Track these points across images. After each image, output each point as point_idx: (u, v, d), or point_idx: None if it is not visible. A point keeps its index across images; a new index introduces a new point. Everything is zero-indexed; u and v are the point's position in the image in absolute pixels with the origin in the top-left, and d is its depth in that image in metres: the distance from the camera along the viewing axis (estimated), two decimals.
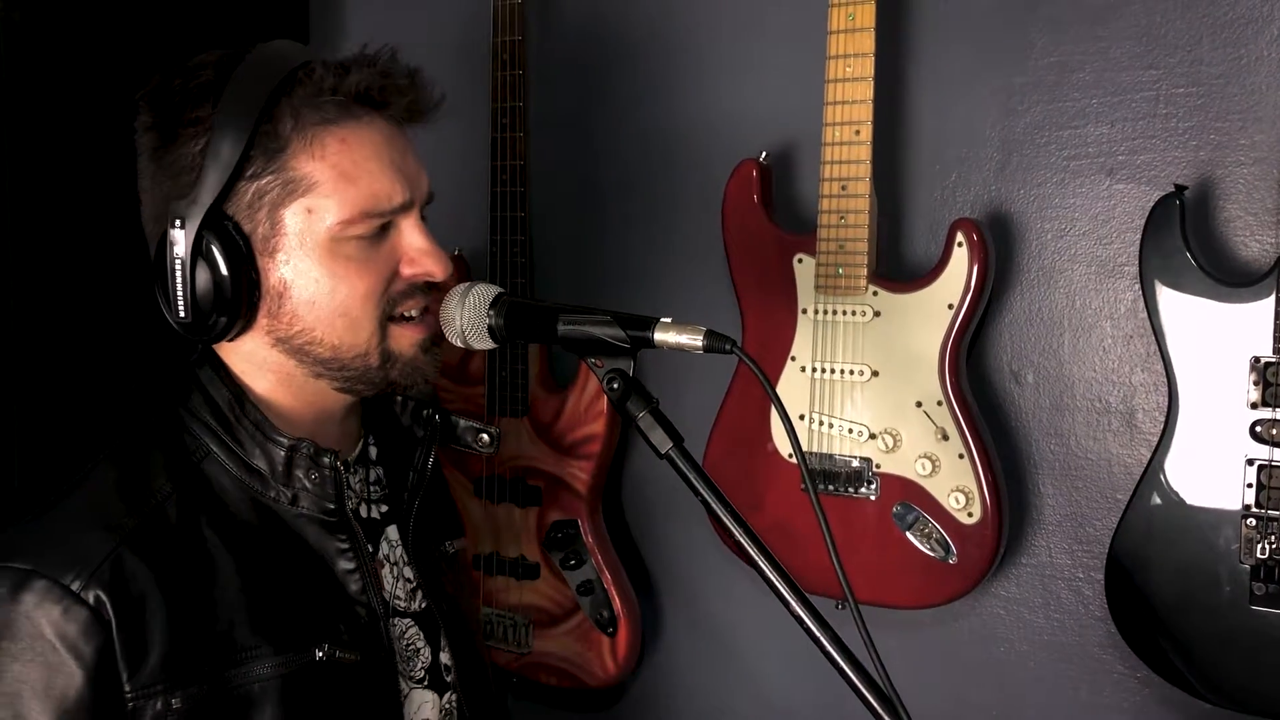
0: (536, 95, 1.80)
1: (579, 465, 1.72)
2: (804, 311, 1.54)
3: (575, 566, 1.73)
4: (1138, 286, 1.38)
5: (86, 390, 1.59)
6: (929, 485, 1.48)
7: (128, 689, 0.90)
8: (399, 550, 1.13)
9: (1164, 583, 1.35)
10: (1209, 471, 1.32)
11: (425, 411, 1.16)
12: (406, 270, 1.01)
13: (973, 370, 1.54)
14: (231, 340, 1.01)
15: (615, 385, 0.96)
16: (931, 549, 1.48)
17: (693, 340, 0.94)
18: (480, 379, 1.80)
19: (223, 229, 0.96)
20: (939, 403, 1.46)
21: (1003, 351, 1.56)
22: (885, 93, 1.53)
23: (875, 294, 1.48)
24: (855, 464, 1.52)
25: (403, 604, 1.11)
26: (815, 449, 1.54)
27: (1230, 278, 1.33)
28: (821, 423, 1.53)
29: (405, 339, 1.03)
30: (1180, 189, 1.33)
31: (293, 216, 0.97)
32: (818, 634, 0.89)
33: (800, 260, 1.54)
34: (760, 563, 0.91)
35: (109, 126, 1.04)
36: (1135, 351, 1.48)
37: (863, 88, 1.44)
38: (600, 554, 1.73)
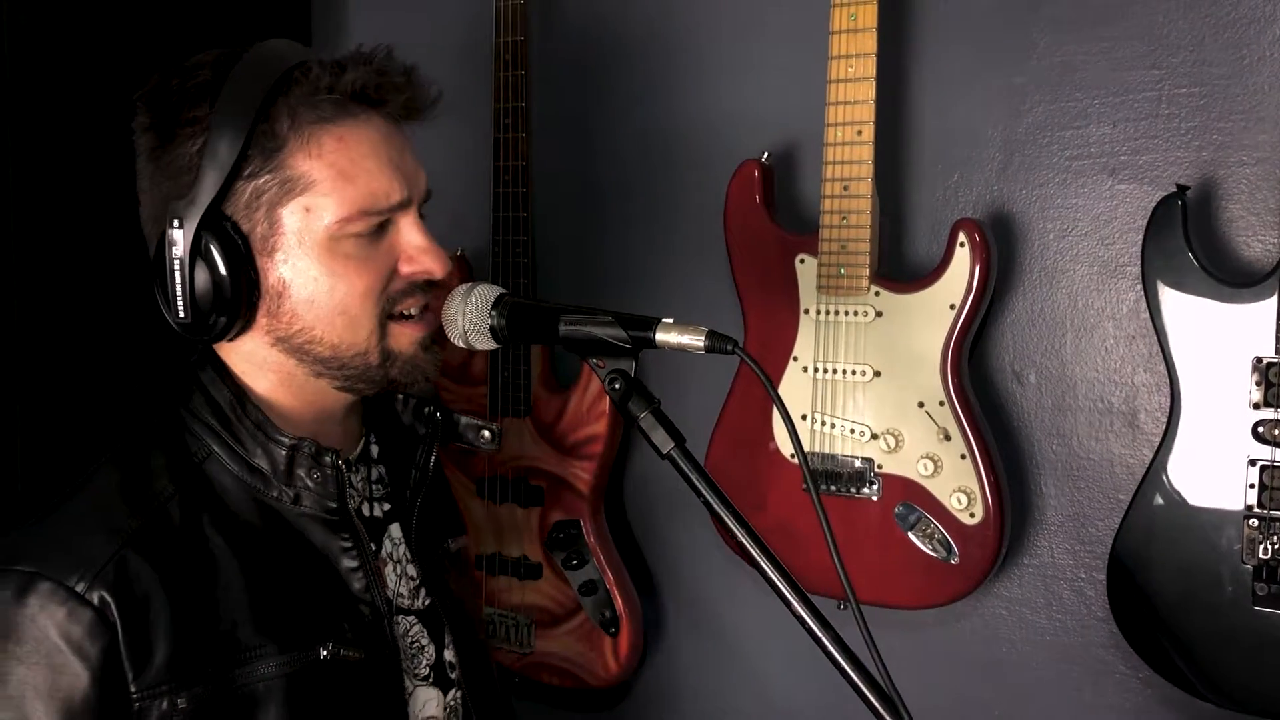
0: (539, 96, 1.80)
1: (581, 465, 1.73)
2: (806, 312, 1.54)
3: (577, 566, 1.73)
4: (1140, 287, 1.38)
5: (89, 392, 1.59)
6: (931, 485, 1.48)
7: (133, 690, 0.90)
8: (402, 548, 1.13)
9: (1166, 583, 1.35)
10: (1211, 472, 1.32)
11: (426, 409, 1.16)
12: (405, 268, 1.01)
13: (975, 370, 1.54)
14: (231, 340, 1.01)
15: (617, 386, 0.96)
16: (933, 549, 1.48)
17: (694, 341, 0.94)
18: (482, 379, 1.80)
19: (221, 229, 0.96)
20: (941, 403, 1.46)
21: (1005, 352, 1.56)
22: (887, 93, 1.53)
23: (877, 294, 1.48)
24: (857, 464, 1.52)
25: (406, 602, 1.11)
26: (817, 449, 1.54)
27: (1232, 278, 1.33)
28: (823, 423, 1.53)
29: (405, 337, 1.03)
30: (1182, 189, 1.33)
31: (291, 216, 0.97)
32: (819, 634, 0.89)
33: (802, 260, 1.54)
34: (762, 563, 0.91)
35: (111, 127, 1.04)
36: (1137, 352, 1.48)
37: (865, 88, 1.44)
38: (602, 554, 1.73)
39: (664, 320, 0.95)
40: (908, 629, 1.61)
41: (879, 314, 1.49)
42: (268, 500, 1.02)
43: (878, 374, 1.50)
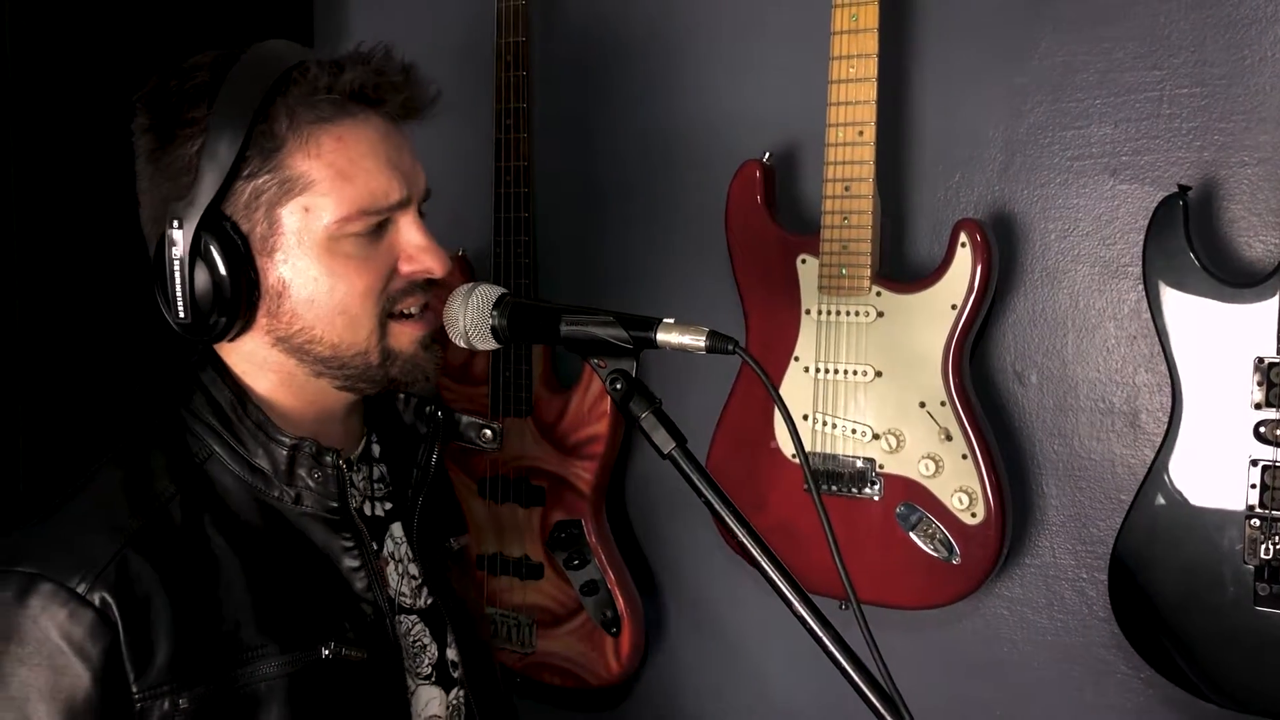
0: (541, 96, 1.80)
1: (582, 465, 1.73)
2: (807, 312, 1.54)
3: (579, 567, 1.73)
4: (1141, 287, 1.38)
5: (91, 393, 1.59)
6: (932, 486, 1.48)
7: (135, 690, 0.90)
8: (404, 547, 1.13)
9: (1167, 583, 1.35)
10: (1213, 472, 1.32)
11: (428, 408, 1.16)
12: (405, 267, 1.02)
13: (976, 371, 1.54)
14: (232, 340, 1.01)
15: (618, 386, 0.96)
16: (935, 549, 1.48)
17: (695, 341, 0.94)
18: (484, 379, 1.80)
19: (221, 229, 0.96)
20: (942, 403, 1.46)
21: (1006, 352, 1.56)
22: (889, 93, 1.53)
23: (878, 294, 1.48)
24: (859, 464, 1.52)
25: (408, 601, 1.12)
26: (819, 449, 1.54)
27: (1234, 278, 1.33)
28: (825, 423, 1.53)
29: (405, 336, 1.03)
30: (1184, 189, 1.33)
31: (290, 216, 0.97)
32: (820, 634, 0.89)
33: (804, 261, 1.54)
34: (763, 563, 0.92)
35: (114, 128, 1.04)
36: (1139, 352, 1.48)
37: (866, 88, 1.44)
38: (604, 554, 1.73)
39: (665, 320, 0.95)
40: (909, 629, 1.61)
41: (880, 314, 1.49)
42: (269, 500, 1.02)
43: (879, 374, 1.50)
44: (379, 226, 1.00)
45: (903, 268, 1.59)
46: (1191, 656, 1.34)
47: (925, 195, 1.59)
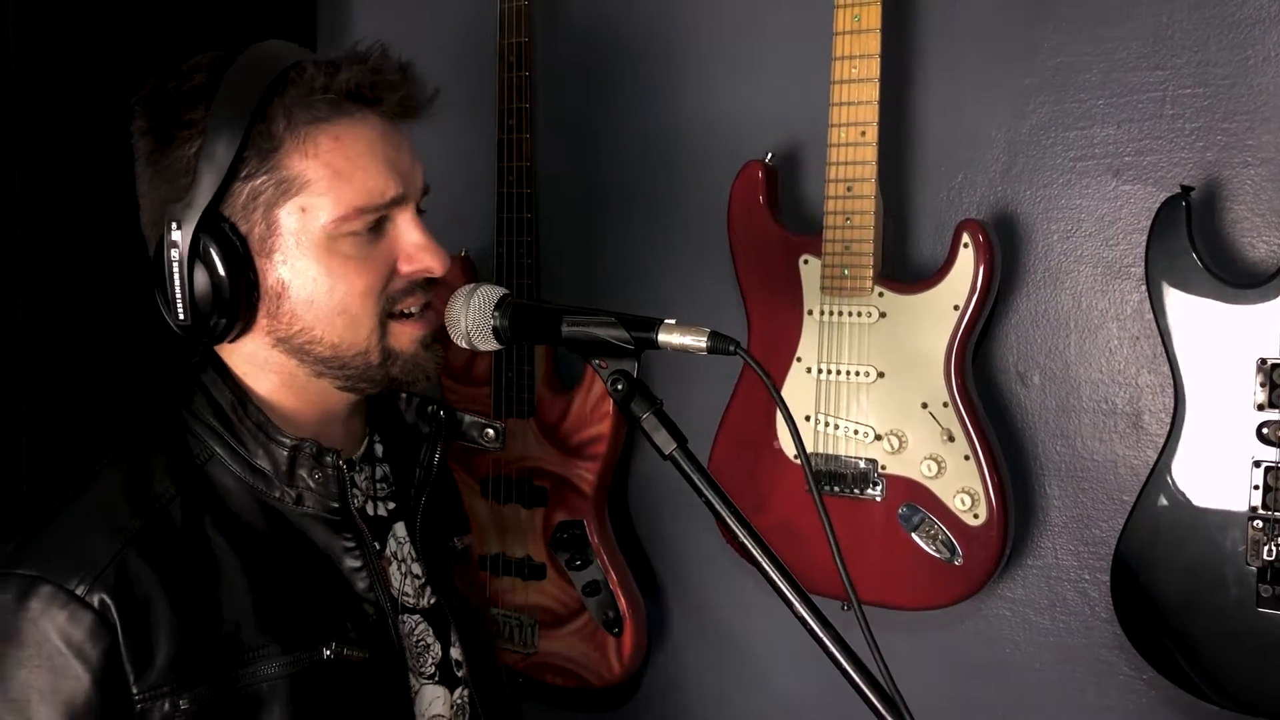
0: (543, 97, 1.80)
1: (585, 466, 1.73)
2: (809, 313, 1.54)
3: (581, 567, 1.73)
4: (1144, 288, 1.38)
5: (94, 394, 1.59)
6: (934, 487, 1.47)
7: (135, 691, 0.90)
8: (407, 547, 1.13)
9: (1170, 584, 1.35)
10: (1215, 473, 1.32)
11: (430, 408, 1.16)
12: (405, 267, 1.02)
13: (979, 372, 1.54)
14: (232, 342, 1.01)
15: (620, 386, 0.96)
16: (937, 550, 1.48)
17: (697, 341, 0.94)
18: (486, 380, 1.80)
19: (219, 230, 0.96)
20: (945, 404, 1.46)
21: (1009, 353, 1.56)
22: (891, 94, 1.53)
23: (881, 295, 1.48)
24: (861, 465, 1.52)
25: (411, 600, 1.12)
26: (821, 450, 1.54)
27: (1237, 279, 1.33)
28: (827, 424, 1.53)
29: (405, 336, 1.03)
30: (1187, 190, 1.33)
31: (288, 216, 0.97)
32: (821, 635, 0.89)
33: (806, 261, 1.54)
34: (763, 564, 0.91)
35: (116, 130, 1.04)
36: (1142, 353, 1.47)
37: (868, 89, 1.44)
38: (606, 554, 1.73)
39: (666, 321, 0.95)
40: (911, 630, 1.61)
41: (883, 315, 1.48)
42: (270, 501, 1.02)
43: (881, 375, 1.50)
44: (378, 226, 1.00)
45: (905, 268, 1.59)
46: (1194, 658, 1.34)
47: (928, 196, 1.58)
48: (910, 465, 1.49)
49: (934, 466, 1.47)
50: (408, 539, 1.14)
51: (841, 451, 1.53)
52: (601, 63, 1.83)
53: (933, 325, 1.46)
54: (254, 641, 0.96)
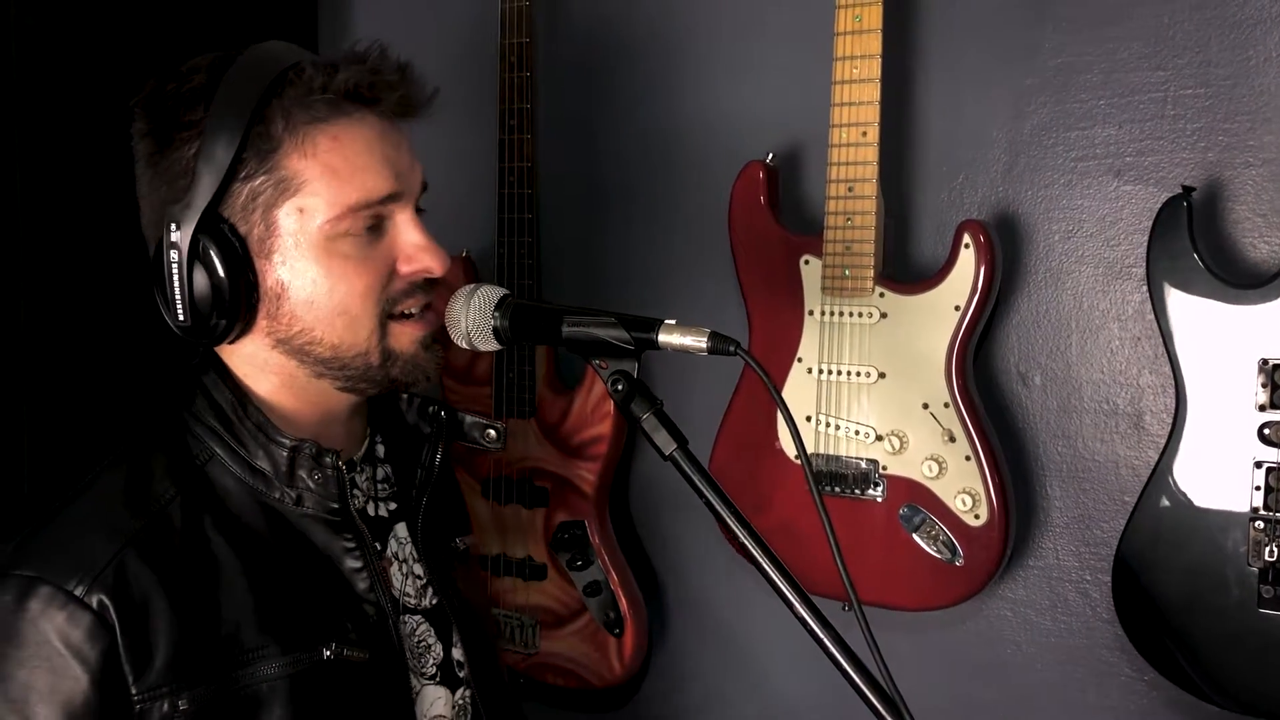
0: (544, 97, 1.80)
1: (586, 466, 1.73)
2: (810, 313, 1.54)
3: (582, 567, 1.73)
4: (1145, 288, 1.38)
5: (95, 395, 1.59)
6: (936, 487, 1.47)
7: (134, 691, 0.91)
8: (408, 547, 1.13)
9: (1171, 585, 1.35)
10: (1217, 474, 1.32)
11: (431, 408, 1.17)
12: (404, 268, 1.01)
13: (980, 372, 1.54)
14: (232, 343, 1.01)
15: (620, 387, 0.96)
16: (938, 551, 1.48)
17: (697, 342, 0.94)
18: (487, 380, 1.80)
19: (218, 232, 0.96)
20: (946, 405, 1.46)
21: (1010, 353, 1.55)
22: (892, 94, 1.53)
23: (882, 295, 1.48)
24: (862, 466, 1.52)
25: (413, 601, 1.12)
26: (822, 450, 1.54)
27: (1238, 279, 1.33)
28: (828, 424, 1.53)
29: (405, 337, 1.03)
30: (1188, 190, 1.33)
31: (286, 217, 0.97)
32: (821, 635, 0.89)
33: (807, 262, 1.54)
34: (763, 564, 0.91)
35: (117, 131, 1.04)
36: (1143, 353, 1.47)
37: (870, 89, 1.44)
38: (607, 555, 1.73)
39: (666, 321, 0.95)
40: (912, 631, 1.61)
41: (884, 315, 1.48)
42: (270, 502, 1.02)
43: (882, 375, 1.49)
44: (377, 227, 1.00)
45: (906, 269, 1.59)
46: (1195, 659, 1.34)
47: (929, 196, 1.58)
48: (911, 466, 1.48)
49: (935, 467, 1.47)
50: (409, 539, 1.14)
51: (842, 452, 1.53)
52: (603, 63, 1.83)
53: (934, 326, 1.46)
54: (253, 642, 0.96)
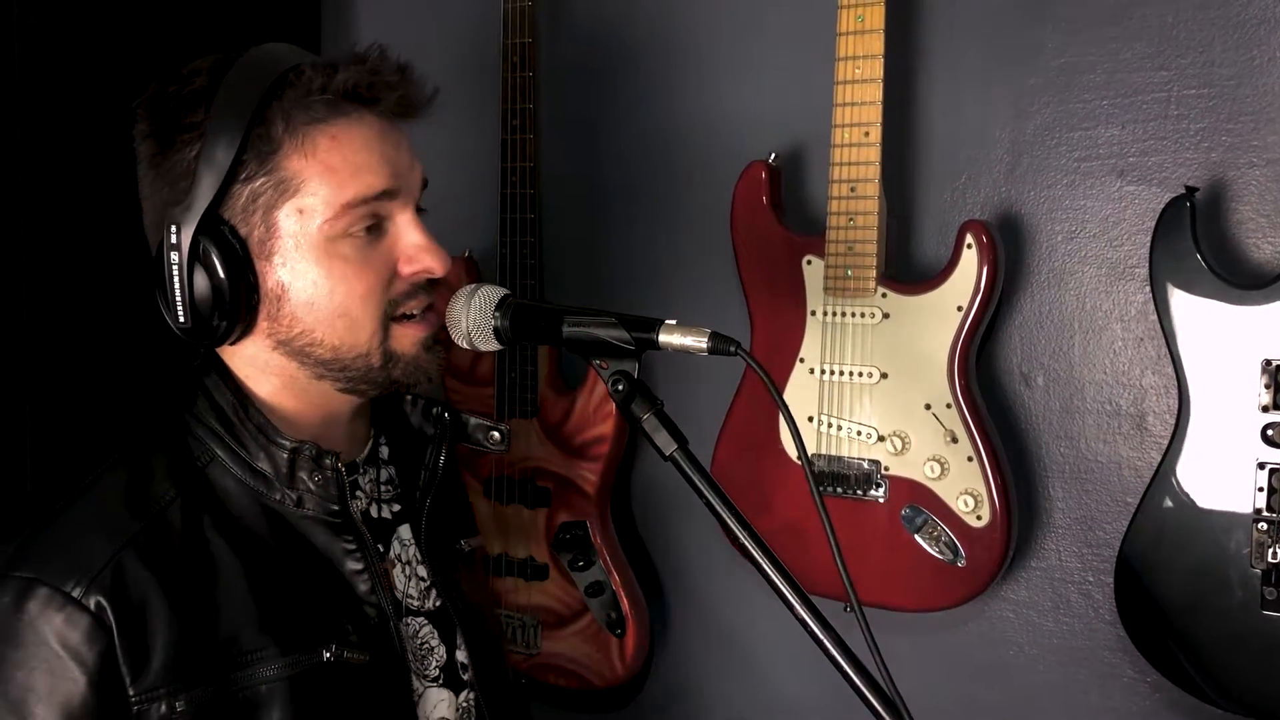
0: (546, 97, 1.80)
1: (588, 467, 1.73)
2: (813, 313, 1.53)
3: (584, 568, 1.73)
4: (1148, 289, 1.37)
5: (97, 396, 1.59)
6: (938, 488, 1.47)
7: (131, 693, 0.90)
8: (411, 549, 1.13)
9: (1174, 586, 1.34)
10: (1220, 475, 1.31)
11: (435, 410, 1.16)
12: (405, 269, 1.01)
13: (982, 372, 1.54)
14: (233, 344, 1.01)
15: (620, 387, 0.96)
16: (940, 552, 1.48)
17: (697, 342, 0.94)
18: (489, 380, 1.80)
19: (219, 233, 0.96)
20: (948, 405, 1.46)
21: (1012, 354, 1.55)
22: (895, 94, 1.52)
23: (884, 296, 1.48)
24: (864, 466, 1.51)
25: (415, 603, 1.11)
26: (824, 451, 1.54)
27: (1242, 280, 1.32)
28: (830, 425, 1.53)
29: (407, 338, 1.03)
30: (1191, 191, 1.33)
31: (286, 218, 0.97)
32: (821, 636, 0.89)
33: (809, 262, 1.53)
34: (763, 564, 0.91)
35: (119, 133, 1.04)
36: (1146, 354, 1.47)
37: (872, 89, 1.44)
38: (609, 555, 1.73)
39: (667, 322, 0.95)
40: (914, 632, 1.61)
41: (886, 316, 1.48)
42: (271, 503, 1.02)
43: (884, 376, 1.49)
44: (377, 227, 1.00)
45: (908, 269, 1.58)
46: (1198, 660, 1.33)
47: (931, 196, 1.58)
48: (913, 466, 1.48)
49: (937, 468, 1.46)
50: (413, 541, 1.13)
51: (844, 453, 1.52)
52: (605, 63, 1.83)
53: (936, 326, 1.46)
54: (252, 643, 0.96)
